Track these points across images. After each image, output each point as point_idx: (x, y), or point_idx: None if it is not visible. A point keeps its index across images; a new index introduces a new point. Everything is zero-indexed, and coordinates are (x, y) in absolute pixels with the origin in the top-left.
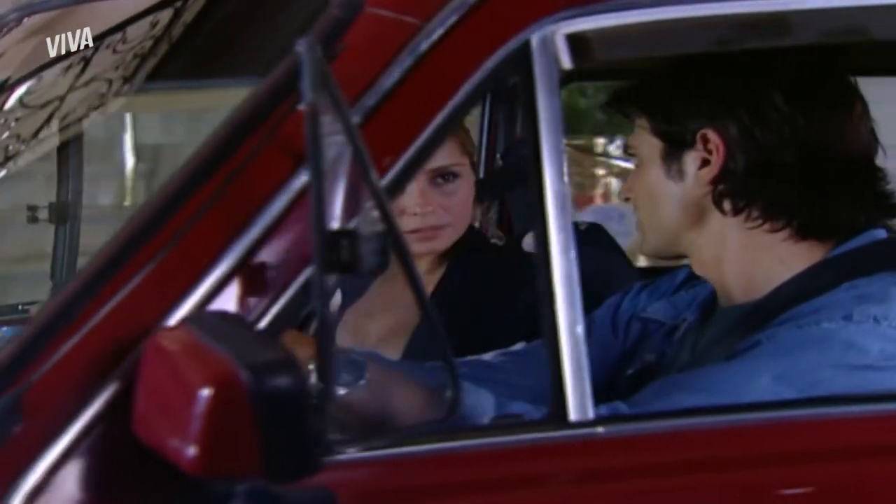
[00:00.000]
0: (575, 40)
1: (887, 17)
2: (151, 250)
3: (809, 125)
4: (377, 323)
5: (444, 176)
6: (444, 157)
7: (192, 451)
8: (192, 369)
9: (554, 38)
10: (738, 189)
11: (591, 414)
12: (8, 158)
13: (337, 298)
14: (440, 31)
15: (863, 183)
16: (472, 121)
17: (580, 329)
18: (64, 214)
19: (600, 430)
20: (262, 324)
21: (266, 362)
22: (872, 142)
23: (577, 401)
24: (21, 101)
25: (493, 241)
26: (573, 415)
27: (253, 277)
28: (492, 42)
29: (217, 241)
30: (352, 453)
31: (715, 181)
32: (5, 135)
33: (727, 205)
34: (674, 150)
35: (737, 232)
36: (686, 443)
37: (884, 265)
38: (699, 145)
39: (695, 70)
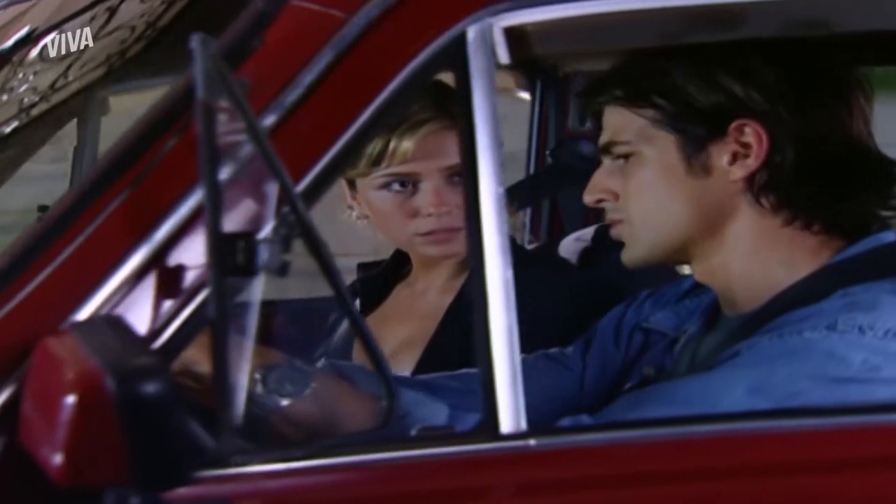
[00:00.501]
0: (513, 34)
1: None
2: (55, 251)
3: (850, 118)
4: (394, 332)
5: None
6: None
7: (57, 458)
8: (63, 375)
9: (491, 32)
10: (784, 184)
11: (523, 426)
12: (22, 111)
13: (355, 305)
14: (364, 25)
15: (874, 182)
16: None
17: (514, 336)
18: None
19: (532, 442)
20: (172, 328)
21: (132, 368)
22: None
23: (510, 412)
24: (41, 55)
25: (527, 246)
26: (505, 426)
27: (159, 281)
28: (423, 35)
29: (121, 244)
30: (265, 465)
31: (752, 176)
32: (24, 88)
33: (769, 200)
34: (697, 143)
35: (756, 233)
36: (621, 456)
37: (886, 271)
38: (730, 138)
39: (720, 56)
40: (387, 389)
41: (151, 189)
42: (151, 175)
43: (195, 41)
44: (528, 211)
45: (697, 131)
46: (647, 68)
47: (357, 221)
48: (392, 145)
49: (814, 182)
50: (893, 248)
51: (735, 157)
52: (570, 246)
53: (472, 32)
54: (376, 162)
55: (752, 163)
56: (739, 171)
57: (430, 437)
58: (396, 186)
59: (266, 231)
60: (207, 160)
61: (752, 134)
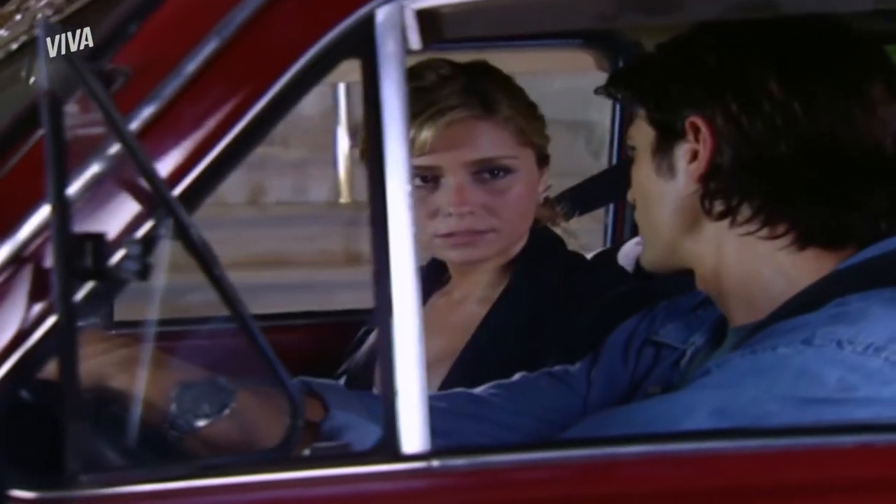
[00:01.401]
0: (427, 17)
1: None
2: None
3: (809, 114)
4: (426, 346)
5: (492, 171)
6: (491, 147)
7: None
8: None
9: (402, 14)
10: (726, 188)
11: (426, 445)
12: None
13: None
14: (256, 7)
15: (882, 181)
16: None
17: (419, 348)
18: None
19: (435, 463)
20: (38, 333)
21: None
22: None
23: (411, 430)
24: None
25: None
26: (406, 446)
27: (23, 282)
28: (325, 18)
29: None
30: (129, 486)
31: (703, 178)
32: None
33: (716, 206)
34: (665, 141)
35: (733, 240)
36: (531, 478)
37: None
38: (689, 135)
39: (689, 47)
40: (291, 408)
41: (14, 185)
42: (14, 170)
43: (40, 27)
44: (611, 211)
45: (664, 128)
46: (635, 61)
47: None
48: (411, 134)
49: (767, 186)
50: None
51: (693, 157)
52: (630, 251)
53: (381, 15)
54: None
55: (702, 164)
56: (697, 172)
57: (324, 456)
58: (416, 181)
59: (132, 233)
60: (52, 155)
61: (703, 132)
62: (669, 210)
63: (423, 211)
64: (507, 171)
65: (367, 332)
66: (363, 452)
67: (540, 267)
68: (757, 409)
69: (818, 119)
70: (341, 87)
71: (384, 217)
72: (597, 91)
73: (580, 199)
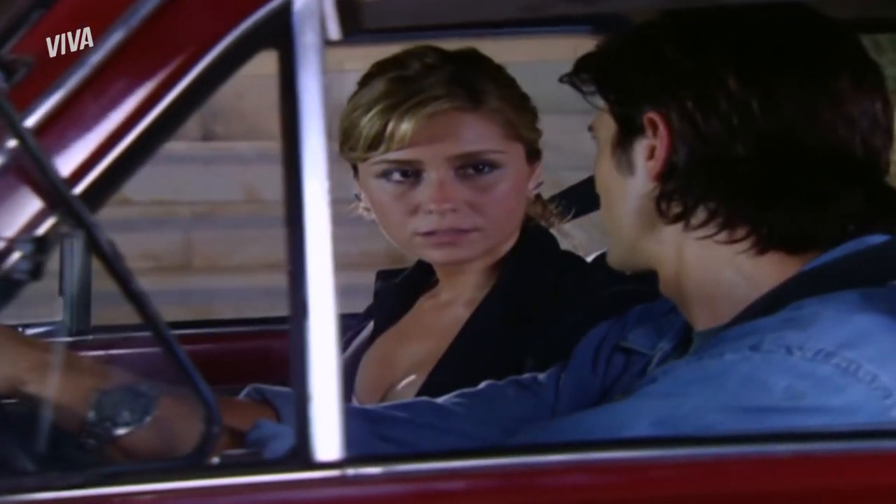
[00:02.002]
0: (346, 5)
1: None
2: None
3: (768, 111)
4: (409, 351)
5: (476, 166)
6: (476, 140)
7: None
8: None
9: (321, 3)
10: (682, 188)
11: (340, 453)
12: None
13: (369, 326)
14: None
15: (848, 181)
16: None
17: (334, 351)
18: None
19: (350, 471)
20: None
21: None
22: (877, 125)
23: (326, 437)
24: None
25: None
26: (319, 454)
27: None
28: (238, 7)
29: None
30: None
31: (660, 177)
32: None
33: (672, 207)
34: (625, 136)
35: (693, 242)
36: (447, 488)
37: (861, 279)
38: (648, 131)
39: (651, 38)
40: (206, 414)
41: None
42: None
43: None
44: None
45: (625, 121)
46: (597, 50)
47: (363, 214)
48: (390, 126)
49: (724, 187)
50: (876, 253)
51: (651, 154)
52: None
53: (298, 3)
54: (374, 145)
55: (658, 162)
56: (654, 170)
57: (234, 463)
58: (396, 176)
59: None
60: None
61: (660, 128)
62: (629, 209)
63: (402, 207)
64: (493, 166)
65: (353, 337)
66: (275, 460)
67: (530, 267)
68: (700, 418)
69: (778, 116)
70: None
71: (300, 216)
72: (561, 79)
73: (580, 199)
